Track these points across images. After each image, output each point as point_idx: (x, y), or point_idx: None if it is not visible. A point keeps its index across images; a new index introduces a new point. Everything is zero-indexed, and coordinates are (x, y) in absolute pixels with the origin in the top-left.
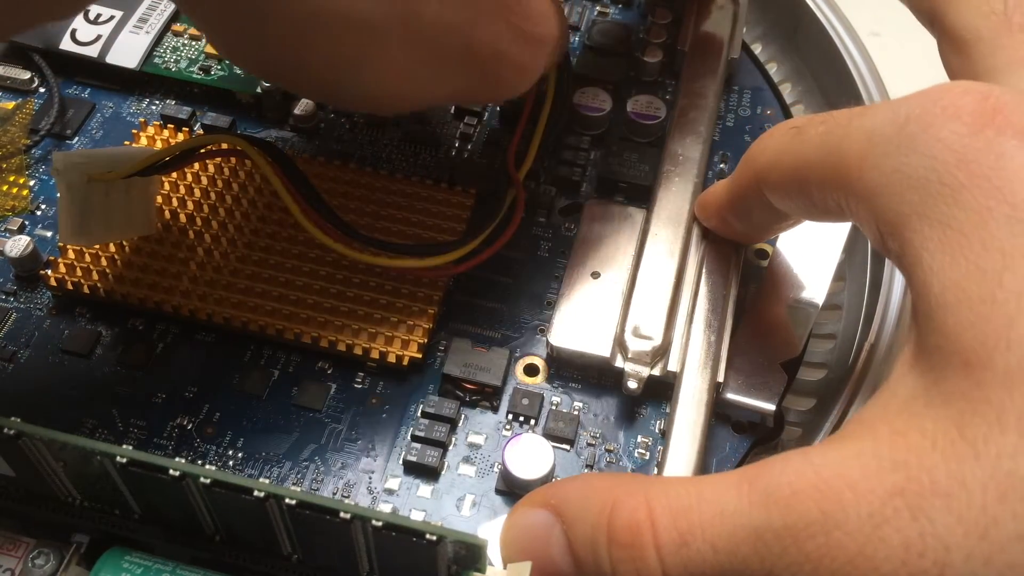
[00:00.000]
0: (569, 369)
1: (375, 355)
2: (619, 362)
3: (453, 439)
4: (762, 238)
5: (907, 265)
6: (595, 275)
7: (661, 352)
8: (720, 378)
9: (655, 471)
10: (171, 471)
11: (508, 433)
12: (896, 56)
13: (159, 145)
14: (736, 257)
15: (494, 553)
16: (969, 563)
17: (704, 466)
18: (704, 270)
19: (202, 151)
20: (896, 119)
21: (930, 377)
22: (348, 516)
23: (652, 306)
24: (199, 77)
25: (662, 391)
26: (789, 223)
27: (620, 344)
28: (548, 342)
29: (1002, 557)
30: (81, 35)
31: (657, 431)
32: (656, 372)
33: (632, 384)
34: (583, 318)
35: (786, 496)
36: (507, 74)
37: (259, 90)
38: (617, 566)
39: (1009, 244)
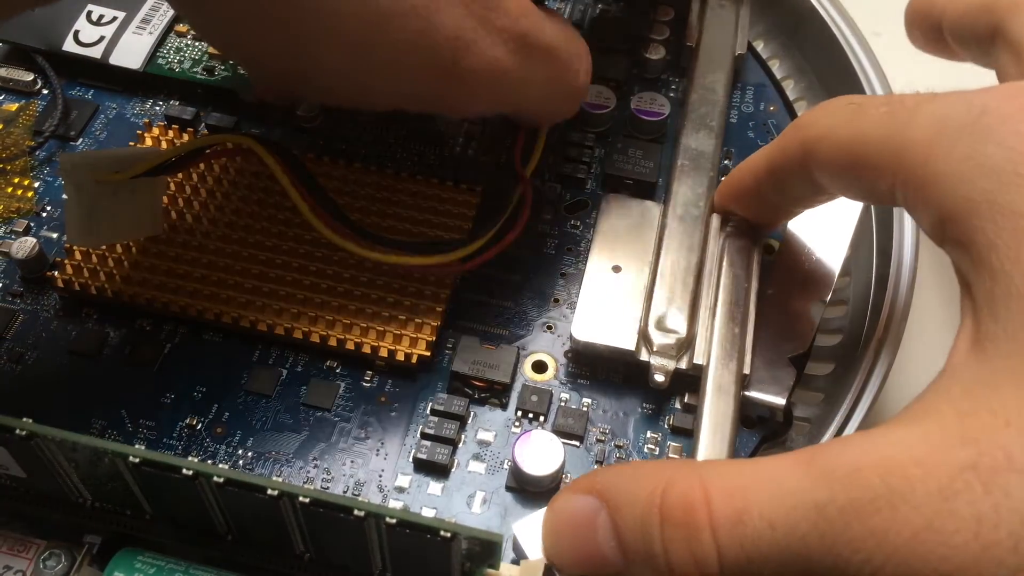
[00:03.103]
0: (582, 364)
1: (384, 353)
2: (644, 356)
3: (463, 436)
4: (787, 216)
5: (976, 253)
6: (616, 269)
7: (686, 345)
8: (746, 370)
9: None
10: (184, 470)
11: (517, 430)
12: (897, 56)
13: (164, 146)
14: (756, 249)
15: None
16: None
17: (734, 458)
18: (724, 262)
19: (209, 151)
20: (971, 109)
21: (1000, 363)
22: (362, 514)
23: (675, 299)
24: (203, 78)
25: (673, 385)
26: (823, 199)
27: (645, 338)
28: (571, 336)
29: None
30: (84, 36)
31: (667, 426)
32: (682, 365)
33: (659, 377)
34: (605, 312)
35: (849, 473)
36: (474, 73)
37: None
38: (669, 546)
39: None
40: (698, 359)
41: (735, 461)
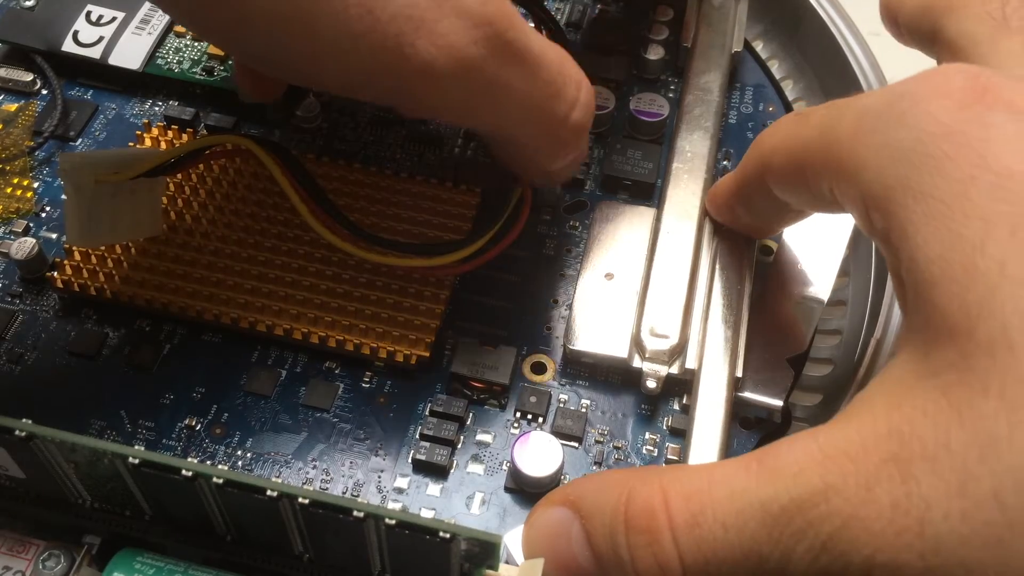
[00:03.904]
0: (578, 367)
1: (383, 354)
2: (637, 362)
3: (461, 437)
4: (770, 231)
5: (893, 241)
6: (609, 276)
7: (678, 350)
8: (739, 373)
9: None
10: (184, 471)
11: (516, 431)
12: (897, 56)
13: (163, 146)
14: (749, 251)
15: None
16: (947, 520)
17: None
18: (718, 265)
19: (208, 152)
20: (888, 97)
21: (921, 351)
22: (361, 515)
23: (668, 304)
24: (202, 78)
25: (671, 387)
26: (792, 215)
27: (637, 344)
28: (565, 346)
29: (978, 514)
30: (83, 36)
31: (665, 427)
32: (674, 370)
33: (651, 384)
34: (599, 320)
35: (793, 473)
36: (428, 62)
37: None
38: (634, 552)
39: (991, 211)
40: (690, 363)
41: (695, 466)
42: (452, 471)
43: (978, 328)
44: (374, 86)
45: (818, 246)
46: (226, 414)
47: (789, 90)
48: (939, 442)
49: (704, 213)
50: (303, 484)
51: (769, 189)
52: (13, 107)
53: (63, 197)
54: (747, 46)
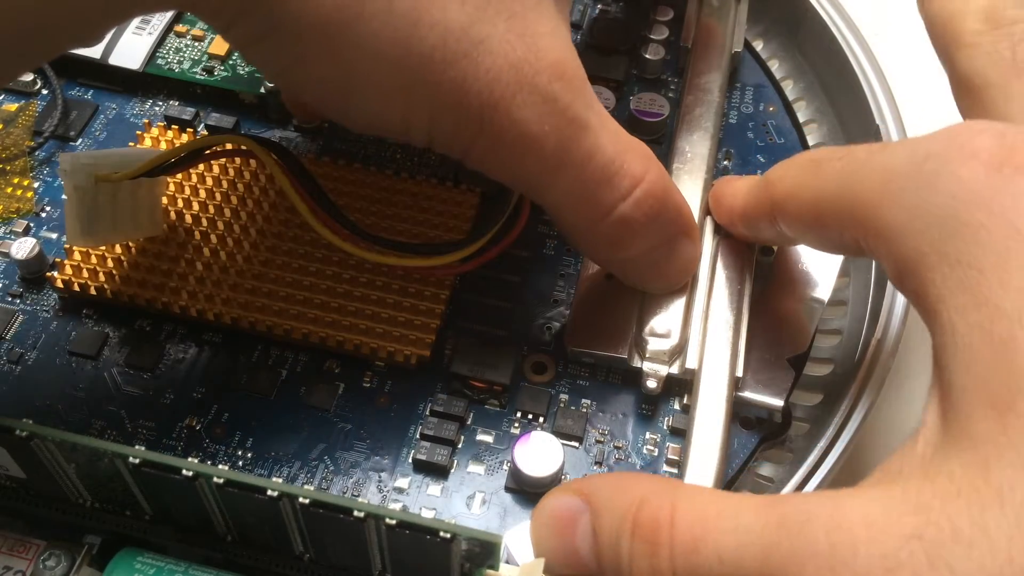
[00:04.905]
0: (578, 367)
1: (383, 354)
2: (637, 362)
3: (462, 437)
4: (772, 244)
5: (928, 306)
6: (609, 276)
7: (679, 350)
8: (739, 373)
9: (662, 466)
10: (184, 471)
11: (517, 431)
12: (897, 56)
13: (163, 146)
14: (749, 251)
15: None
16: None
17: (726, 461)
18: (718, 265)
19: (208, 151)
20: (915, 157)
21: (958, 422)
22: (362, 514)
23: (668, 304)
24: (202, 78)
25: (671, 387)
26: (798, 243)
27: (638, 344)
28: (566, 346)
29: None
30: None
31: (666, 427)
32: (674, 370)
33: (651, 384)
34: (599, 320)
35: (800, 522)
36: (500, 133)
37: (262, 90)
38: (634, 559)
39: None
40: (691, 363)
41: (710, 491)
42: (452, 471)
43: (1019, 402)
44: (444, 145)
45: None
46: (227, 414)
47: (789, 90)
48: (976, 525)
49: (705, 213)
50: (303, 484)
51: (779, 227)
52: (13, 107)
53: (63, 197)
54: (747, 46)
